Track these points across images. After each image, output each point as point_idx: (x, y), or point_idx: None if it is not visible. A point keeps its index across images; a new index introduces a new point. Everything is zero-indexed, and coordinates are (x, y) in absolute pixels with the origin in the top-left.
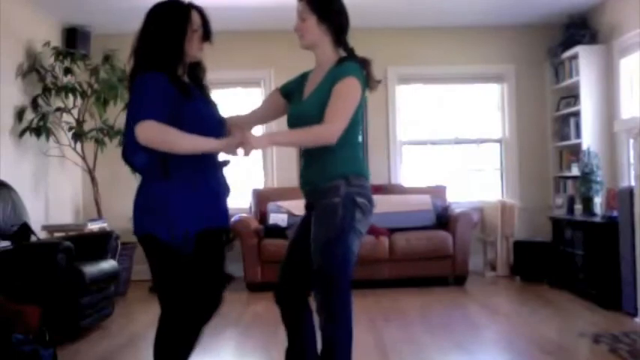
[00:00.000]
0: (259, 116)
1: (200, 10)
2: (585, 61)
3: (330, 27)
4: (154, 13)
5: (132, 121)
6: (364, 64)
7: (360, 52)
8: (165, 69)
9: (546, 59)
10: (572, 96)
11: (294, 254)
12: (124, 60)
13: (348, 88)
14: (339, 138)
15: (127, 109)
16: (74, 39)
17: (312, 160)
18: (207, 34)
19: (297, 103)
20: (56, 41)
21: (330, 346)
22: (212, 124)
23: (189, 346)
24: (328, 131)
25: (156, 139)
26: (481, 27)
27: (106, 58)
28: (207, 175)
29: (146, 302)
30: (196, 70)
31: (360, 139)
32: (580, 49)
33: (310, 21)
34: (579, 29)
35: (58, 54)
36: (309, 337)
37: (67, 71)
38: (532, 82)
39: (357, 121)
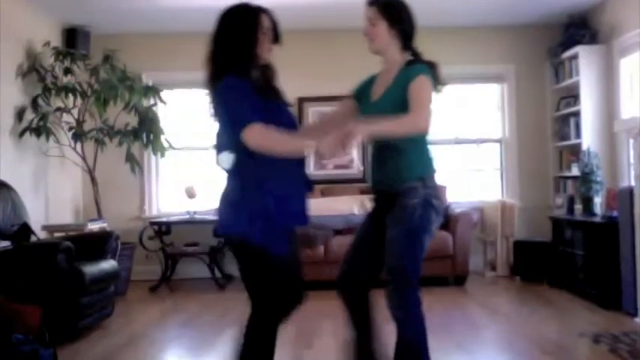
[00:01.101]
0: (337, 123)
1: (268, 13)
2: (585, 61)
3: (399, 32)
4: (225, 18)
5: (231, 125)
6: (432, 66)
7: (359, 52)
8: (246, 73)
9: (546, 59)
10: (572, 96)
11: (361, 248)
12: (124, 60)
13: (424, 84)
14: (409, 141)
15: (218, 114)
16: (74, 39)
17: (385, 161)
18: (276, 37)
19: (368, 104)
20: (56, 41)
21: (405, 343)
22: (289, 126)
23: (274, 342)
24: (421, 119)
25: (265, 143)
26: (481, 27)
27: (106, 58)
28: (296, 174)
29: (146, 302)
30: (266, 72)
31: (428, 138)
32: (580, 49)
33: (380, 26)
34: (579, 29)
35: (58, 54)
36: (374, 328)
37: (67, 71)
38: (532, 82)
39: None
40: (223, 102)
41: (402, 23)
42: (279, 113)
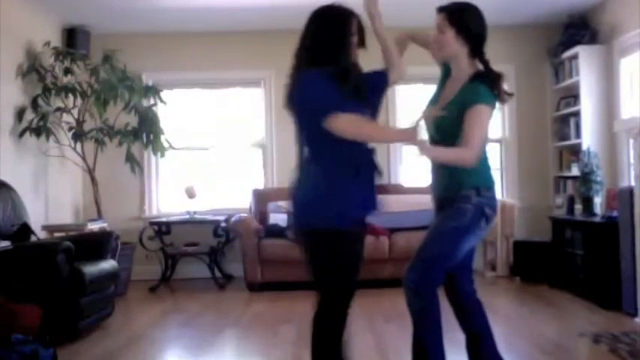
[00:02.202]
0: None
1: (358, 17)
2: (585, 61)
3: (467, 39)
4: (321, 16)
5: (319, 113)
6: (496, 81)
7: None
8: (333, 74)
9: (546, 59)
10: (572, 96)
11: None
12: (124, 60)
13: (479, 115)
14: None
15: (301, 103)
16: (74, 39)
17: (441, 168)
18: (362, 41)
19: (434, 105)
20: (56, 41)
21: (417, 318)
22: None
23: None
24: (469, 157)
25: (351, 130)
26: None
27: (106, 58)
28: (367, 162)
29: (146, 302)
30: (354, 74)
31: (487, 151)
32: (580, 49)
33: (449, 34)
34: (579, 29)
35: (58, 54)
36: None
37: (67, 71)
38: (532, 82)
39: (486, 135)
40: (307, 92)
41: (470, 30)
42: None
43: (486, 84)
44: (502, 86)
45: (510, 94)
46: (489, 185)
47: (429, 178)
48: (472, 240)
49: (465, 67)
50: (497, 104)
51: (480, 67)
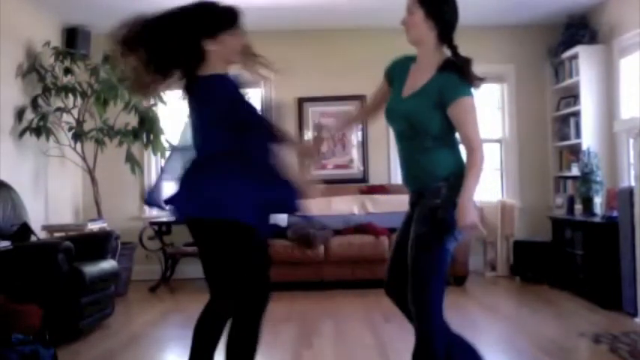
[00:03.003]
0: (372, 110)
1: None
2: (585, 61)
3: (436, 23)
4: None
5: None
6: (465, 67)
7: (359, 51)
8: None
9: (546, 59)
10: (572, 96)
11: (399, 252)
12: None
13: (467, 109)
14: (436, 140)
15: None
16: (74, 39)
17: (410, 161)
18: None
19: (397, 98)
20: (56, 41)
21: (421, 341)
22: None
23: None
24: (481, 158)
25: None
26: (481, 27)
27: (106, 58)
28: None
29: (146, 302)
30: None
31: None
32: (580, 49)
33: (417, 15)
34: (579, 29)
35: (58, 54)
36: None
37: (67, 71)
38: (532, 82)
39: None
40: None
41: (440, 13)
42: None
43: (457, 73)
44: (472, 72)
45: (481, 79)
46: (461, 173)
47: (400, 172)
48: (452, 238)
49: (430, 52)
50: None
51: (448, 53)
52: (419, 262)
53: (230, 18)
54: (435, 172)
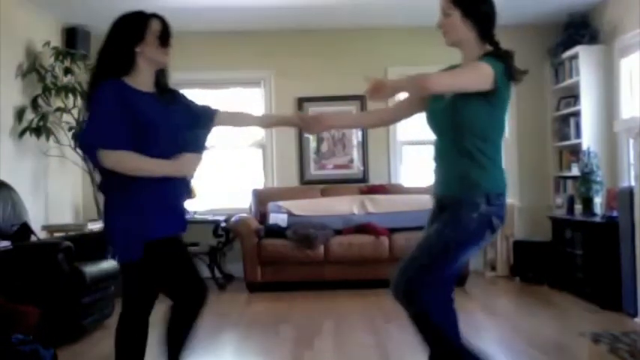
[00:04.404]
0: (391, 115)
1: (159, 17)
2: (585, 61)
3: (475, 22)
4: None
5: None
6: (506, 57)
7: (360, 52)
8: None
9: (546, 59)
10: (572, 96)
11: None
12: None
13: (473, 66)
14: (483, 147)
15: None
16: (74, 39)
17: (447, 167)
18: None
19: (440, 99)
20: (56, 41)
21: (418, 323)
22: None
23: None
24: (426, 81)
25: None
26: None
27: None
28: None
29: None
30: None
31: (501, 142)
32: (580, 49)
33: (454, 17)
34: (579, 29)
35: (58, 54)
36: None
37: (67, 71)
38: (532, 82)
39: (501, 122)
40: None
41: (478, 10)
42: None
43: (496, 57)
44: (513, 64)
45: (524, 72)
46: (501, 191)
47: (431, 175)
48: (472, 251)
49: (473, 52)
50: (512, 85)
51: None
52: (423, 260)
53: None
54: (477, 184)
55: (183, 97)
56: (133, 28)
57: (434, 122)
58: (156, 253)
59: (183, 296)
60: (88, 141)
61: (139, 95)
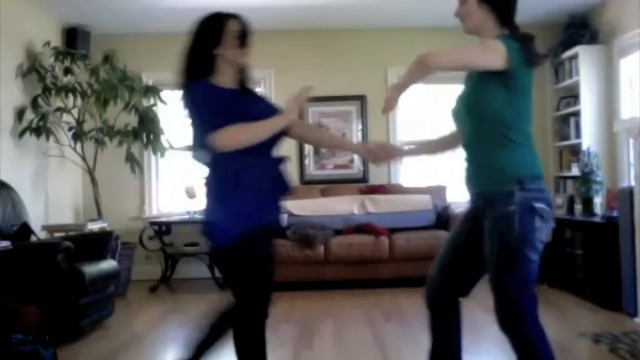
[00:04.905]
0: (459, 138)
1: (238, 18)
2: (585, 61)
3: (492, 8)
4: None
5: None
6: (524, 40)
7: (360, 52)
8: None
9: (546, 59)
10: (572, 96)
11: (453, 257)
12: (124, 60)
13: (483, 42)
14: (507, 133)
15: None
16: (74, 39)
17: (475, 158)
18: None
19: (463, 91)
20: (56, 41)
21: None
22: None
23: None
24: (429, 55)
25: (232, 141)
26: None
27: (106, 58)
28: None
29: (146, 302)
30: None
31: (529, 128)
32: (580, 49)
33: (470, 3)
34: (579, 29)
35: (58, 54)
36: (457, 342)
37: (67, 71)
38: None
39: (524, 109)
40: (195, 108)
41: (497, 3)
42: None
43: (512, 39)
44: (532, 46)
45: (545, 56)
46: (535, 174)
47: (463, 172)
48: (532, 249)
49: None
50: (531, 68)
51: None
52: (504, 285)
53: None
54: (504, 170)
55: (263, 96)
56: (210, 31)
57: (456, 113)
58: (254, 241)
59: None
60: (211, 141)
61: (225, 91)
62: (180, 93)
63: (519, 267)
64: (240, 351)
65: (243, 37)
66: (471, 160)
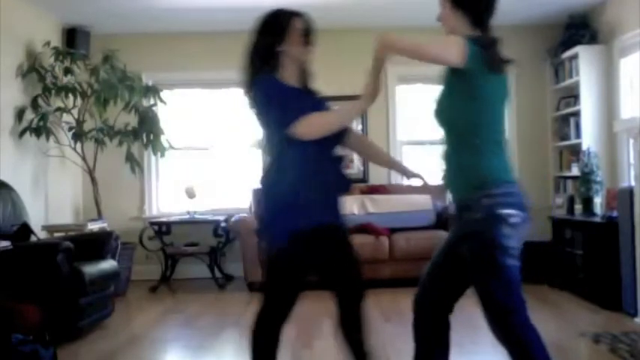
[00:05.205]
0: None
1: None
2: (585, 61)
3: (465, 12)
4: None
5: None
6: (486, 42)
7: (360, 52)
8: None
9: (546, 59)
10: (572, 96)
11: (441, 265)
12: (124, 60)
13: (445, 39)
14: (474, 141)
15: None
16: (74, 39)
17: (448, 163)
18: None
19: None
20: (56, 41)
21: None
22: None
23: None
24: (391, 34)
25: (315, 128)
26: None
27: (106, 58)
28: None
29: (146, 302)
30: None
31: (499, 136)
32: (580, 49)
33: (446, 7)
34: (579, 29)
35: (58, 54)
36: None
37: (67, 71)
38: (532, 82)
39: (491, 119)
40: (266, 103)
41: (465, 1)
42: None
43: (475, 40)
44: (496, 52)
45: (507, 61)
46: (502, 178)
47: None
48: (506, 256)
49: None
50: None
51: None
52: (484, 289)
53: None
54: (470, 177)
55: (324, 98)
56: (275, 28)
57: (434, 120)
58: (308, 242)
59: (342, 289)
60: (292, 129)
61: (292, 88)
62: (243, 89)
63: (495, 272)
64: (254, 349)
65: (307, 34)
66: (446, 164)
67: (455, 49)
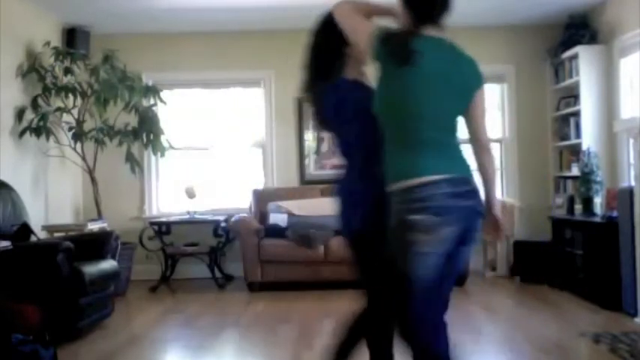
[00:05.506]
0: None
1: None
2: (585, 61)
3: (408, 9)
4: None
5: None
6: (393, 35)
7: None
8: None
9: (546, 59)
10: (572, 96)
11: None
12: (124, 60)
13: (364, 25)
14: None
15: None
16: (74, 39)
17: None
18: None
19: None
20: (56, 41)
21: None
22: None
23: None
24: (339, 3)
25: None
26: (481, 27)
27: (106, 58)
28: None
29: (146, 302)
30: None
31: (387, 133)
32: (580, 49)
33: (399, 5)
34: (579, 29)
35: (58, 54)
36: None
37: (67, 71)
38: (532, 82)
39: (386, 104)
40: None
41: (410, 1)
42: None
43: (381, 34)
44: (401, 42)
45: (410, 52)
46: (395, 177)
47: None
48: (421, 261)
49: None
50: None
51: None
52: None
53: None
54: (384, 181)
55: None
56: (340, 30)
57: None
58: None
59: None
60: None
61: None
62: (302, 89)
63: (407, 282)
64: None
65: None
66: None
67: (363, 36)
